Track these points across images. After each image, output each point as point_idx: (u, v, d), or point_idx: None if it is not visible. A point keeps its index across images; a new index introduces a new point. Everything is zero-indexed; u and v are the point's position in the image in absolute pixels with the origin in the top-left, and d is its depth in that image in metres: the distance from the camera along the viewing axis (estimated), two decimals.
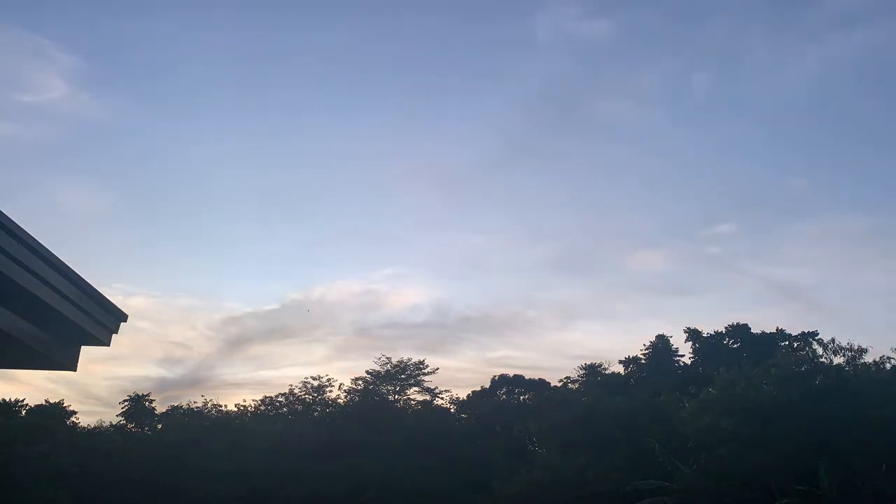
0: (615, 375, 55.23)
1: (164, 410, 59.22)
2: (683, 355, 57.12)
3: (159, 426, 57.36)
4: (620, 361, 57.29)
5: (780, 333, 52.90)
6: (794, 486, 33.05)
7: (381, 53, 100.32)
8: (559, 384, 56.90)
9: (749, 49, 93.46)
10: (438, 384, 57.67)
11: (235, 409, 57.64)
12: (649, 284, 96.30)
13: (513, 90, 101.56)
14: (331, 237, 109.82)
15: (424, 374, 56.39)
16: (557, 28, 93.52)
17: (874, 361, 38.19)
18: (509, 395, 60.09)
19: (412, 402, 56.40)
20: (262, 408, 58.61)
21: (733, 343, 54.88)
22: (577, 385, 55.49)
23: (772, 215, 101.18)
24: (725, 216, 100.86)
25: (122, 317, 6.98)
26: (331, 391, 57.09)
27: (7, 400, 54.57)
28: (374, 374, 56.06)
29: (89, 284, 6.30)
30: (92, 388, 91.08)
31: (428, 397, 56.62)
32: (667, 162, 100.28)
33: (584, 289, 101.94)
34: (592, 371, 56.24)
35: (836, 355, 38.29)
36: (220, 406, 56.97)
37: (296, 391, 57.86)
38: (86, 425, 57.30)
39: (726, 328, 55.78)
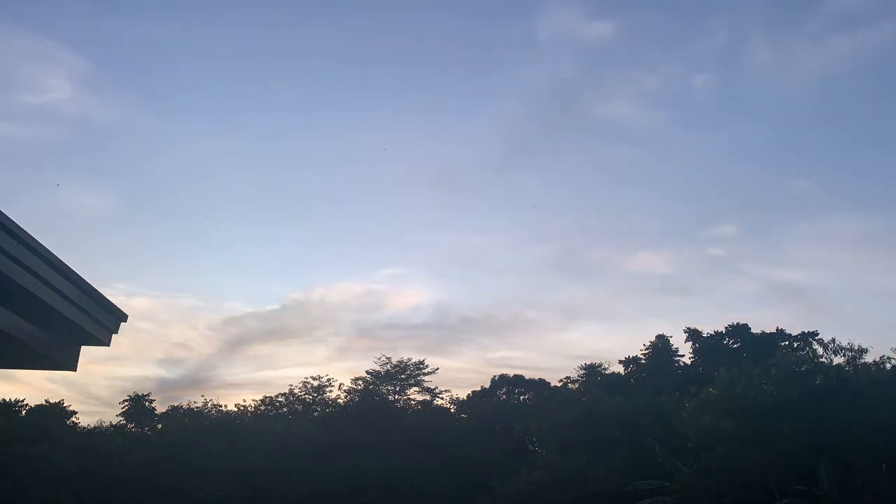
0: (615, 375, 55.25)
1: (164, 410, 59.34)
2: (683, 355, 57.20)
3: (159, 426, 57.39)
4: (620, 361, 57.38)
5: (780, 333, 52.92)
6: (794, 486, 33.03)
7: (383, 54, 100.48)
8: (559, 384, 56.97)
9: (751, 50, 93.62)
10: (439, 384, 57.78)
11: (235, 410, 57.72)
12: (650, 285, 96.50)
13: (514, 91, 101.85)
14: (332, 238, 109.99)
15: (424, 374, 56.45)
16: (558, 29, 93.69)
17: (874, 361, 38.18)
18: (509, 395, 60.10)
19: (412, 402, 56.43)
20: (262, 408, 58.61)
21: (733, 343, 54.89)
22: (577, 385, 55.50)
23: (773, 216, 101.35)
24: (726, 217, 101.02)
25: (122, 317, 6.98)
26: (331, 391, 57.18)
27: (7, 400, 54.63)
28: (374, 374, 56.08)
29: (89, 284, 6.30)
30: (92, 388, 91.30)
31: (428, 397, 56.65)
32: (668, 163, 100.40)
33: (585, 289, 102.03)
34: (592, 371, 56.25)
35: (836, 355, 38.29)
36: (220, 406, 57.05)
37: (296, 391, 57.92)
38: (86, 425, 57.42)
39: (726, 328, 55.81)
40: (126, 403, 59.36)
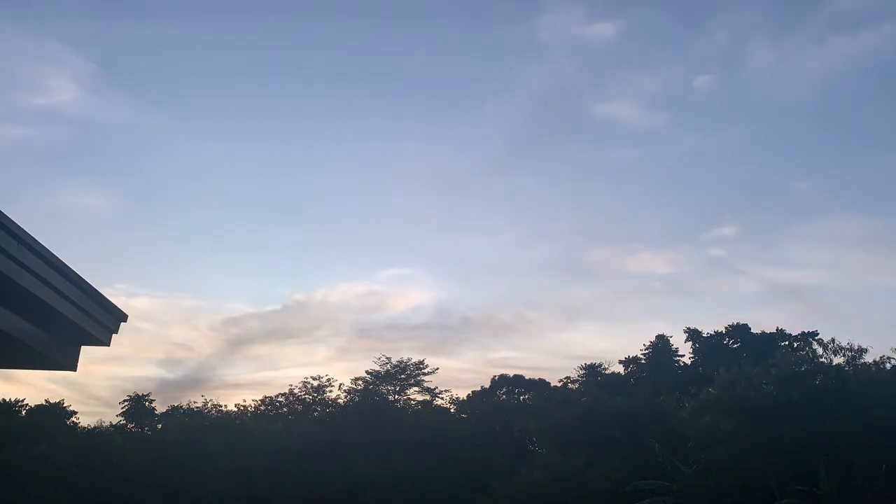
0: (615, 375, 55.25)
1: (164, 410, 59.32)
2: (683, 355, 57.22)
3: (159, 426, 57.36)
4: (620, 361, 57.40)
5: (780, 333, 52.93)
6: (794, 486, 33.03)
7: (384, 56, 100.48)
8: (559, 384, 56.94)
9: (751, 51, 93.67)
10: (440, 385, 57.69)
11: (235, 410, 57.68)
12: (650, 286, 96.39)
13: (515, 92, 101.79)
14: (333, 239, 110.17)
15: (424, 374, 56.35)
16: (559, 30, 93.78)
17: (874, 361, 38.21)
18: (509, 395, 60.06)
19: (412, 402, 56.35)
20: (262, 408, 58.57)
21: (733, 343, 54.91)
22: (577, 385, 55.48)
23: (773, 216, 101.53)
24: (727, 218, 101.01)
25: (122, 317, 6.98)
26: (331, 391, 57.11)
27: (7, 400, 54.67)
28: (373, 374, 56.01)
29: (89, 284, 6.30)
30: (92, 388, 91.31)
31: (428, 397, 56.57)
32: (668, 163, 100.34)
33: (585, 290, 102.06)
34: (592, 371, 56.24)
35: (836, 355, 38.33)
36: (220, 406, 57.03)
37: (296, 391, 57.88)
38: (86, 425, 57.41)
39: (726, 328, 55.84)
40: (126, 403, 59.35)
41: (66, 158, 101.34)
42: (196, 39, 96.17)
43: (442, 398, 57.07)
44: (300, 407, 57.38)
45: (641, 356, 57.05)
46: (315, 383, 57.12)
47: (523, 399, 58.09)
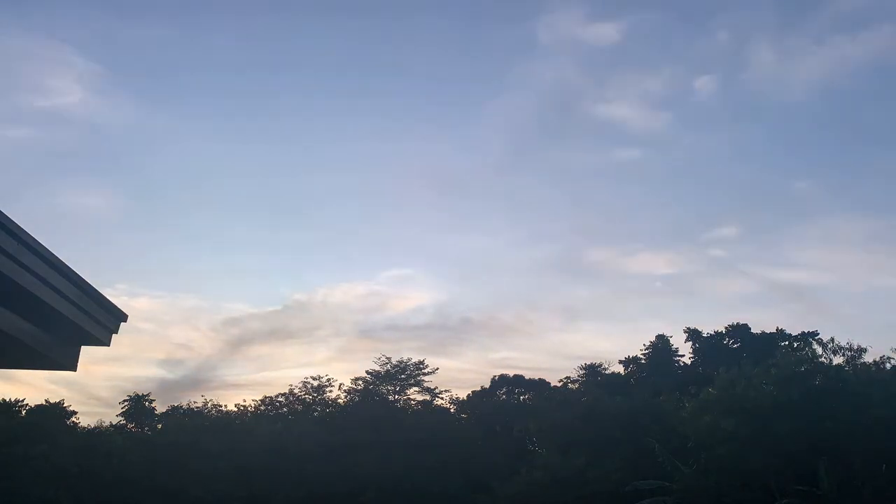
0: (615, 375, 55.25)
1: (164, 410, 59.29)
2: (683, 355, 57.22)
3: (159, 426, 57.34)
4: (620, 361, 57.39)
5: (780, 333, 52.93)
6: (794, 486, 33.03)
7: (384, 56, 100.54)
8: (559, 384, 56.94)
9: (753, 51, 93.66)
10: (440, 385, 57.72)
11: (235, 410, 57.70)
12: (651, 286, 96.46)
13: (516, 93, 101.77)
14: (333, 239, 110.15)
15: (424, 375, 56.35)
16: (560, 31, 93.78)
17: (874, 361, 38.23)
18: (509, 395, 60.05)
19: (412, 402, 56.35)
20: (262, 408, 58.58)
21: (733, 343, 54.91)
22: (577, 385, 55.48)
23: (774, 217, 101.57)
24: (727, 218, 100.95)
25: (122, 317, 6.98)
26: (331, 391, 57.12)
27: (7, 400, 54.67)
28: (373, 374, 56.00)
29: (89, 284, 6.30)
30: (92, 388, 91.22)
31: (428, 397, 56.56)
32: (669, 164, 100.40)
33: (586, 290, 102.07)
34: (592, 371, 56.24)
35: (836, 355, 38.34)
36: (220, 406, 57.05)
37: (295, 391, 57.88)
38: (86, 425, 57.41)
39: (726, 328, 55.84)
40: (126, 403, 59.30)
41: (68, 159, 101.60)
42: (197, 40, 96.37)
43: (442, 398, 57.14)
44: (300, 407, 57.38)
45: (641, 356, 57.05)
46: (315, 383, 57.18)
47: (523, 399, 58.09)
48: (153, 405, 60.17)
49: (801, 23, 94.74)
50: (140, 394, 60.07)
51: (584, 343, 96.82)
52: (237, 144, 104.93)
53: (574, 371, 57.57)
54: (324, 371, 78.75)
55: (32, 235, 5.46)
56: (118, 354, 69.05)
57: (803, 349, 43.81)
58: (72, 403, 60.56)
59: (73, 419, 57.29)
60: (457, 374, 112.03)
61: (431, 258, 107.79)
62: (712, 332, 55.99)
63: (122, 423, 58.67)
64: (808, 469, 32.69)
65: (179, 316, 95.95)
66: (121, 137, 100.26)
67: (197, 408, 56.19)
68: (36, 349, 6.44)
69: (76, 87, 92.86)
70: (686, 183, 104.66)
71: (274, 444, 48.58)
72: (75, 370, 7.16)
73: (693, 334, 56.27)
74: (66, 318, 6.23)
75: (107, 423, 58.10)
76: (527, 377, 60.43)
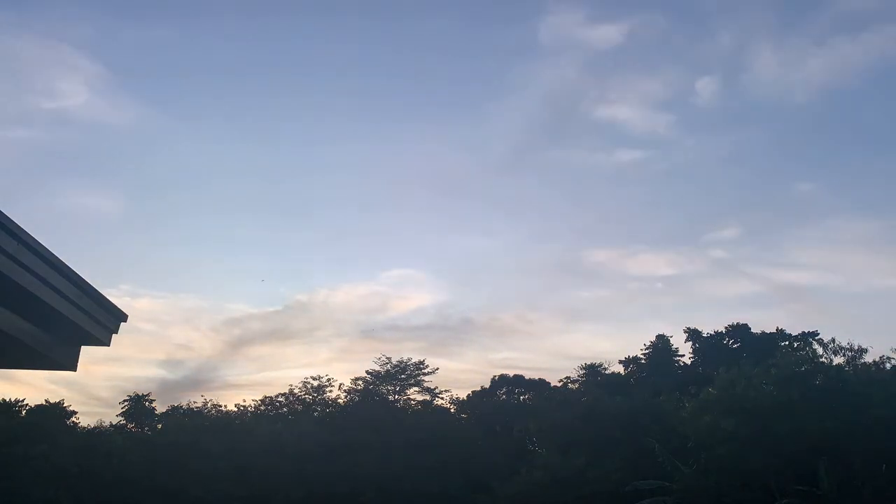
0: (615, 375, 55.22)
1: (164, 411, 59.28)
2: (683, 355, 57.20)
3: (159, 426, 57.31)
4: (620, 361, 57.38)
5: (780, 333, 52.91)
6: (794, 486, 33.04)
7: (385, 56, 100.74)
8: (559, 384, 56.93)
9: (754, 53, 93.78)
10: (441, 385, 57.73)
11: (235, 410, 57.69)
12: (651, 287, 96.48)
13: (517, 94, 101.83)
14: (335, 239, 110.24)
15: (424, 375, 56.34)
16: (562, 32, 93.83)
17: (874, 361, 38.23)
18: (509, 395, 60.05)
19: (412, 402, 56.35)
20: (262, 408, 58.57)
21: (733, 343, 54.89)
22: (577, 385, 55.46)
23: (774, 218, 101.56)
24: (728, 219, 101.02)
25: (122, 317, 6.98)
26: (331, 391, 57.11)
27: (7, 400, 54.66)
28: (373, 374, 56.00)
29: (89, 284, 6.30)
30: (92, 388, 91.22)
31: (428, 397, 56.56)
32: (670, 166, 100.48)
33: (587, 291, 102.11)
34: (592, 371, 56.21)
35: (836, 355, 38.35)
36: (220, 406, 57.02)
37: (296, 391, 57.87)
38: (86, 425, 57.40)
39: (726, 328, 55.80)
40: (126, 404, 59.28)
41: (70, 159, 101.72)
42: (198, 41, 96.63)
43: (442, 398, 57.13)
44: (300, 407, 57.36)
45: (641, 356, 57.03)
46: (315, 383, 57.17)
47: (523, 399, 58.08)
48: (153, 405, 60.21)
49: (802, 24, 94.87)
50: (140, 394, 60.09)
51: (584, 343, 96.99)
52: (239, 145, 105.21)
53: (574, 371, 57.62)
54: (324, 371, 78.74)
55: (32, 235, 5.46)
56: (118, 354, 69.07)
57: (803, 349, 43.82)
58: (72, 403, 60.60)
59: (73, 419, 57.34)
60: (457, 375, 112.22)
61: (432, 259, 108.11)
62: (712, 333, 55.99)
63: (122, 423, 58.65)
64: (808, 469, 32.69)
65: (180, 316, 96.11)
66: (122, 138, 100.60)
67: (197, 408, 56.21)
68: (36, 349, 6.44)
69: (79, 88, 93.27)
70: (687, 184, 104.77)
71: (274, 444, 48.56)
72: (75, 370, 7.16)
73: (693, 334, 56.25)
74: (66, 318, 6.23)
75: (107, 423, 58.19)
76: (527, 377, 60.49)
